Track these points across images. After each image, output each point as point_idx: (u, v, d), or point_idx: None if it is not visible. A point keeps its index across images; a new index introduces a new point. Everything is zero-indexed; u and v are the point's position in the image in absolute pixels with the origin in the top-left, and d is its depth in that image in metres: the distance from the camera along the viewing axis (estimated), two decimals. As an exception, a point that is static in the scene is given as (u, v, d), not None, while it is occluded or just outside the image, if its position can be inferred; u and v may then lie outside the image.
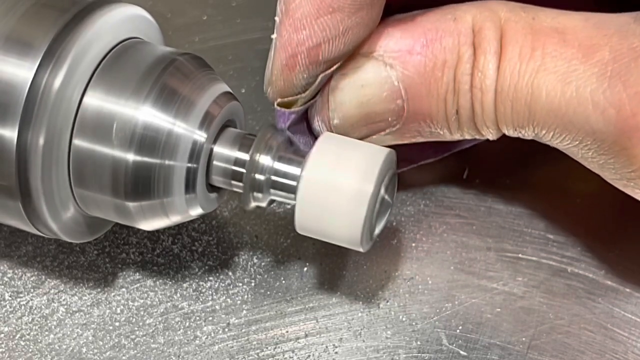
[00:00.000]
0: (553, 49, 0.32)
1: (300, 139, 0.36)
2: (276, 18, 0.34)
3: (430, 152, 0.40)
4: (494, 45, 0.33)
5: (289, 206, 0.40)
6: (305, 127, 0.37)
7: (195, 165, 0.34)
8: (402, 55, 0.34)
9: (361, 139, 0.35)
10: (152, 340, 0.37)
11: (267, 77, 0.35)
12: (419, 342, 0.37)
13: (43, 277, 0.39)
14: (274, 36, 0.34)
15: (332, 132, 0.35)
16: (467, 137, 0.35)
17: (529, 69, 0.33)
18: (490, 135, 0.35)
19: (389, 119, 0.35)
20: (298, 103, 0.35)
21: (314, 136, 0.36)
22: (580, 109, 0.32)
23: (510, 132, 0.34)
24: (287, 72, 0.34)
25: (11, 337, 0.37)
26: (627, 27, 0.32)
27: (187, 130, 0.33)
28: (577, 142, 0.33)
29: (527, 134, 0.34)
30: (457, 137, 0.35)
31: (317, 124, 0.36)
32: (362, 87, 0.34)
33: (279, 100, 0.35)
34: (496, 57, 0.33)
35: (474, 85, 0.33)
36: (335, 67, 0.34)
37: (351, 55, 0.34)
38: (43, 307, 0.38)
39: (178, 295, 0.38)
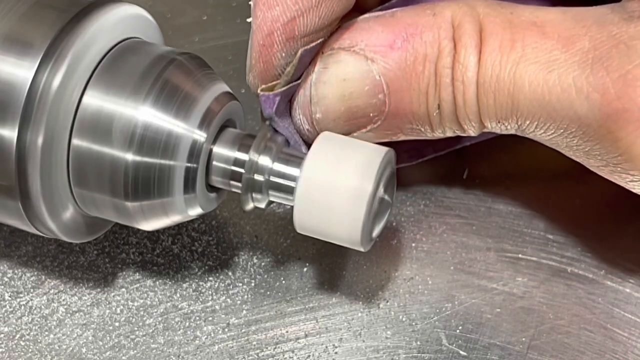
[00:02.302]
0: (533, 40, 0.33)
1: (288, 128, 0.36)
2: (250, 2, 0.34)
3: (430, 150, 0.40)
4: (474, 39, 0.33)
5: (289, 206, 0.40)
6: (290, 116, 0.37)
7: (194, 165, 0.34)
8: (384, 50, 0.34)
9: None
10: (152, 341, 0.37)
11: (248, 64, 0.35)
12: (418, 342, 0.37)
13: (43, 277, 0.39)
14: (249, 19, 0.34)
15: (314, 127, 0.35)
16: (449, 133, 0.35)
17: (510, 60, 0.33)
18: (472, 129, 0.35)
19: (371, 114, 0.35)
20: (281, 82, 0.35)
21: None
22: (563, 96, 0.32)
23: (493, 126, 0.34)
24: (265, 52, 0.34)
25: (11, 337, 0.37)
26: (604, 17, 0.33)
27: (186, 130, 0.33)
28: (562, 131, 0.33)
29: (510, 127, 0.34)
30: (438, 133, 0.35)
31: (298, 118, 0.36)
32: (344, 80, 0.34)
33: (262, 86, 0.35)
34: (477, 50, 0.33)
35: (456, 78, 0.33)
36: (314, 44, 0.34)
37: (333, 50, 0.35)
38: (43, 307, 0.38)
39: (178, 295, 0.38)
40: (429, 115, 0.34)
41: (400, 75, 0.34)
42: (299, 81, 0.35)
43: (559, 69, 0.32)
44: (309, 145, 0.35)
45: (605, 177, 0.34)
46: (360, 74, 0.34)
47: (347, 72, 0.34)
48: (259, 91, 0.35)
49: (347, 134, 0.35)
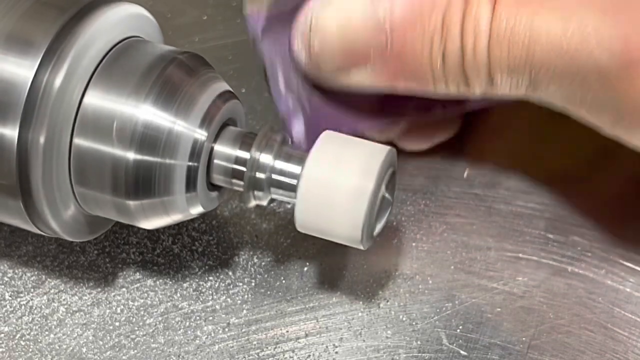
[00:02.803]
0: None
1: (271, 50, 0.35)
2: None
3: (439, 106, 0.39)
4: None
5: (289, 206, 0.40)
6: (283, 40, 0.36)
7: (195, 164, 0.34)
8: None
9: (339, 72, 0.35)
10: (152, 340, 0.37)
11: None
12: (419, 342, 0.37)
13: (43, 276, 0.39)
14: None
15: (311, 59, 0.35)
16: (451, 88, 0.35)
17: (527, 10, 0.32)
18: (478, 84, 0.34)
19: (371, 52, 0.34)
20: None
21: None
22: (583, 45, 0.32)
23: (503, 79, 0.34)
24: None
25: (11, 337, 0.37)
26: None
27: (187, 129, 0.33)
28: (578, 82, 0.33)
29: (522, 82, 0.33)
30: (440, 87, 0.35)
31: (297, 47, 0.35)
32: (346, 16, 0.34)
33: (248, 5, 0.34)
34: (491, 2, 0.33)
35: (465, 29, 0.33)
36: None
37: None
38: (43, 307, 0.38)
39: (178, 295, 0.38)
40: (430, 65, 0.34)
41: (405, 17, 0.33)
42: (287, 8, 0.35)
43: (579, 18, 0.32)
44: (296, 86, 0.35)
45: (616, 139, 0.34)
46: (363, 11, 0.34)
47: (350, 8, 0.34)
48: (245, 11, 0.34)
49: (343, 69, 0.35)
